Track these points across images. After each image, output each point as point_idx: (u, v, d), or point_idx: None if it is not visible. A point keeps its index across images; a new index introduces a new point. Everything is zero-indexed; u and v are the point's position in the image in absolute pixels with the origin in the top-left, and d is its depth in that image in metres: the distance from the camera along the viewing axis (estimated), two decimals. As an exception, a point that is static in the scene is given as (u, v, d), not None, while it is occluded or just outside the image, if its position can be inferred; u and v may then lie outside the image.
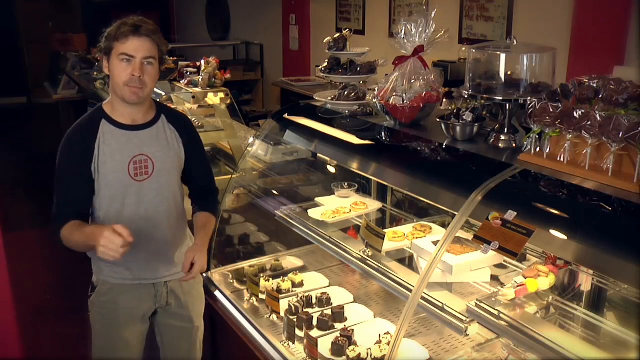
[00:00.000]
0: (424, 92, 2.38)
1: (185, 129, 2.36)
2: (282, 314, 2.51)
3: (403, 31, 2.38)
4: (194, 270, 2.17)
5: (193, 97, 4.23)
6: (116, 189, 2.20)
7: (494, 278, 2.13)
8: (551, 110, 1.79)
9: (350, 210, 2.71)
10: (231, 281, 2.98)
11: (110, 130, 2.20)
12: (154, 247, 2.29)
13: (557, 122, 1.77)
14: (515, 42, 2.12)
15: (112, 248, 1.91)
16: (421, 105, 2.39)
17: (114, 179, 2.19)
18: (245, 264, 3.07)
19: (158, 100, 4.24)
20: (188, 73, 4.30)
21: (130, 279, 2.30)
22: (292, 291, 2.75)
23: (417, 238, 2.36)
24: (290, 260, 3.15)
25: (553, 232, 1.70)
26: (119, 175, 2.19)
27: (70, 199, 2.20)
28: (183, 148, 2.33)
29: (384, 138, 2.52)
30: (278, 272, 2.99)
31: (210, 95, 4.23)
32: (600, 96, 1.74)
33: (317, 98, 2.93)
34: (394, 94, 2.41)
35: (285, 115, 3.01)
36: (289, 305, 2.53)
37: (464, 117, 2.18)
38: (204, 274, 3.00)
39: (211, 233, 2.44)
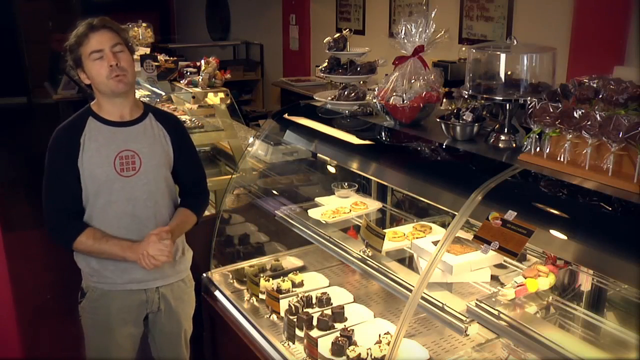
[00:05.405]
0: (424, 92, 2.38)
1: (173, 127, 2.36)
2: (282, 314, 2.51)
3: (403, 31, 2.38)
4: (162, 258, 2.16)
5: (193, 97, 4.23)
6: (101, 184, 2.19)
7: (494, 278, 2.13)
8: (551, 110, 1.79)
9: (350, 210, 2.70)
10: (231, 281, 2.98)
11: (96, 127, 2.22)
12: None
13: (557, 122, 1.77)
14: (515, 42, 2.12)
15: (164, 252, 2.14)
16: (421, 105, 2.38)
17: (99, 173, 2.18)
18: (245, 264, 3.07)
19: (158, 100, 4.27)
20: (188, 73, 4.29)
21: (120, 283, 2.28)
22: (292, 291, 2.75)
23: (417, 238, 2.36)
24: (290, 260, 3.15)
25: (553, 232, 1.70)
26: (104, 170, 2.18)
27: (63, 197, 2.19)
28: (171, 145, 2.32)
29: (384, 138, 2.52)
30: (278, 272, 2.99)
31: (210, 95, 4.22)
32: (600, 96, 1.74)
33: (317, 98, 2.92)
34: (394, 94, 2.41)
35: (285, 115, 3.01)
36: (289, 305, 2.53)
37: (464, 117, 2.18)
38: (204, 274, 3.00)
39: (184, 231, 2.38)
